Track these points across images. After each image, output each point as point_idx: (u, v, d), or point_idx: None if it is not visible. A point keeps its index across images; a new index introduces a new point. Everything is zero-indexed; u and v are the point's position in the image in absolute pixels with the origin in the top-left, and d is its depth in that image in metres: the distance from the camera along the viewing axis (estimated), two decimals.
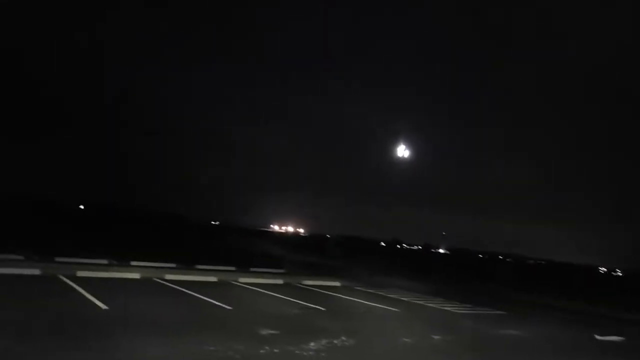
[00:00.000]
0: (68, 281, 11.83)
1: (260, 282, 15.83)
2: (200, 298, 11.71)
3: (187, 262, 17.72)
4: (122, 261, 16.12)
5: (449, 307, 15.68)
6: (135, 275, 13.96)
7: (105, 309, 9.30)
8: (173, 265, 16.81)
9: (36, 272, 12.43)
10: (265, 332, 8.84)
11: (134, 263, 16.06)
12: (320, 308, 12.40)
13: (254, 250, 33.14)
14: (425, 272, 31.24)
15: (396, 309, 13.88)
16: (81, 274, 12.94)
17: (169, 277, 14.34)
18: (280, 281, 16.84)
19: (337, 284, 18.30)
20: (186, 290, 12.52)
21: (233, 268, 18.24)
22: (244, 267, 18.84)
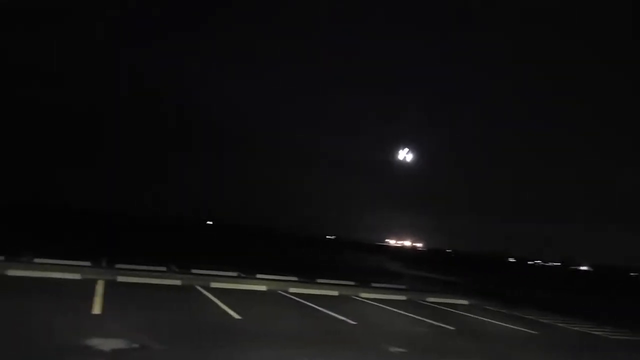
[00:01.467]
0: (204, 291, 12.68)
1: (382, 298, 15.43)
2: (325, 312, 11.70)
3: (308, 276, 18.04)
4: (250, 274, 16.94)
5: (599, 332, 13.68)
6: (262, 288, 14.51)
7: (238, 319, 9.71)
8: (295, 278, 17.22)
9: (177, 282, 13.57)
10: (393, 349, 8.45)
11: (260, 276, 16.78)
12: (449, 327, 11.61)
13: (372, 265, 32.82)
14: (565, 291, 27.98)
15: (534, 331, 12.48)
16: (214, 285, 13.82)
17: (292, 290, 14.66)
18: (402, 297, 16.27)
19: (465, 302, 17.13)
20: (310, 304, 12.64)
21: (353, 283, 18.12)
22: (364, 281, 18.63)
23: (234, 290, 13.57)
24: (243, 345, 7.69)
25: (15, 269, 12.12)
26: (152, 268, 15.31)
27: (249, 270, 17.43)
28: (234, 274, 16.56)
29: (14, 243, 16.91)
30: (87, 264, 14.63)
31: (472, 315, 14.21)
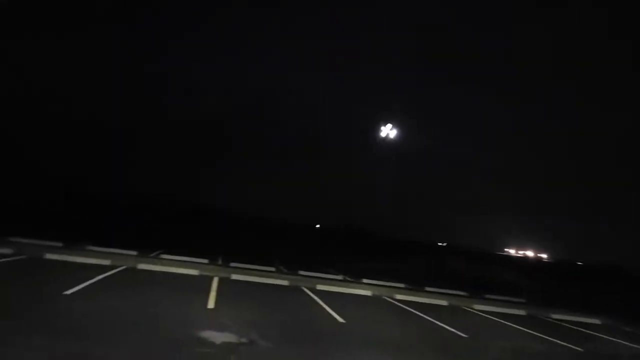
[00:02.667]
0: (310, 293, 12.84)
1: (498, 311, 14.25)
2: (432, 322, 11.10)
3: (416, 283, 17.39)
4: (355, 278, 16.82)
5: None
6: (367, 293, 14.29)
7: (342, 322, 9.61)
8: (402, 285, 16.70)
9: (285, 283, 13.95)
10: None
11: (365, 280, 16.58)
12: (577, 349, 10.26)
13: (486, 275, 30.73)
14: None
15: None
16: (320, 287, 13.93)
17: (398, 296, 14.21)
18: (521, 312, 14.86)
19: (597, 321, 15.12)
20: (417, 312, 12.10)
21: (465, 293, 17.04)
22: (477, 292, 17.43)
23: (339, 294, 13.55)
24: (346, 350, 7.54)
25: (145, 263, 13.46)
26: (262, 268, 15.97)
27: (355, 275, 17.34)
28: (340, 277, 16.58)
29: (146, 240, 18.84)
30: (205, 261, 15.74)
31: (604, 337, 12.45)
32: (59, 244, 14.48)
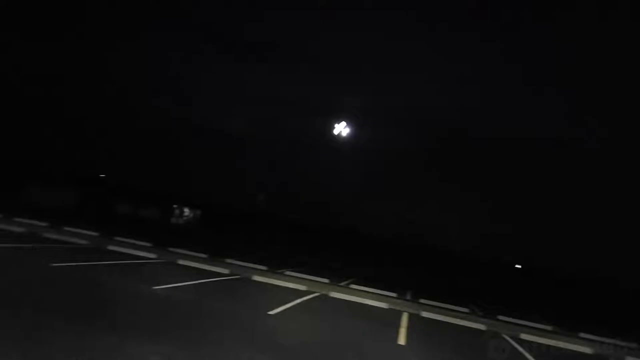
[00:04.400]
0: (512, 342, 11.27)
1: None
2: None
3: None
4: (570, 330, 14.29)
5: None
6: (586, 350, 11.89)
7: None
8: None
9: (481, 327, 12.60)
10: None
11: (583, 335, 13.92)
12: None
13: None
14: None
15: None
16: (525, 336, 12.15)
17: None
18: None
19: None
20: None
21: None
22: None
23: (549, 347, 11.58)
24: None
25: (337, 291, 13.81)
26: (455, 308, 14.85)
27: (564, 324, 14.76)
28: (548, 327, 14.29)
29: (335, 270, 19.57)
30: (393, 294, 15.42)
31: None
32: (264, 268, 16.00)
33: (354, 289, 15.29)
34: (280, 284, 13.55)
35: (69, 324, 6.06)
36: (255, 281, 13.50)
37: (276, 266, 16.49)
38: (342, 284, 15.94)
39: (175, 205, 31.27)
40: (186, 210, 31.55)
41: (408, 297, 15.82)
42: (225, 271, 13.94)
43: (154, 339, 6.06)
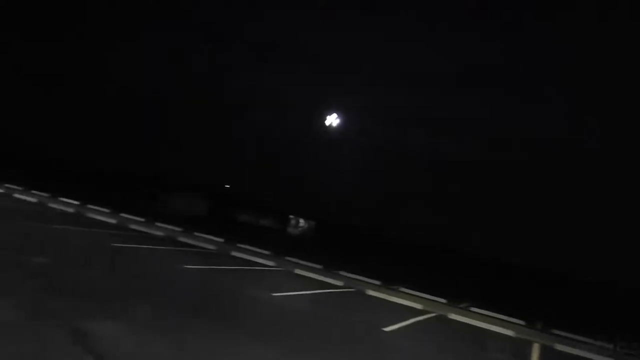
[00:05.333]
0: None
1: None
2: None
3: None
4: None
5: None
6: None
7: None
8: None
9: None
10: None
11: None
12: None
13: None
14: None
15: None
16: None
17: None
18: None
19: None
20: None
21: None
22: None
23: None
24: None
25: (456, 313, 12.95)
26: (596, 342, 13.00)
27: None
28: None
29: (450, 288, 18.43)
30: (521, 322, 14.02)
31: None
32: (378, 282, 15.68)
33: (475, 312, 14.22)
34: (394, 300, 13.13)
35: (194, 320, 6.43)
36: (369, 295, 13.26)
37: (390, 281, 16.06)
38: (461, 305, 14.94)
39: (291, 216, 32.49)
40: (301, 221, 32.60)
41: (538, 326, 14.25)
42: (340, 283, 13.92)
43: (268, 343, 6.15)
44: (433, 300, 14.68)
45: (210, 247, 15.60)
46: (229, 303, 8.43)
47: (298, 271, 14.45)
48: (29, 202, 16.61)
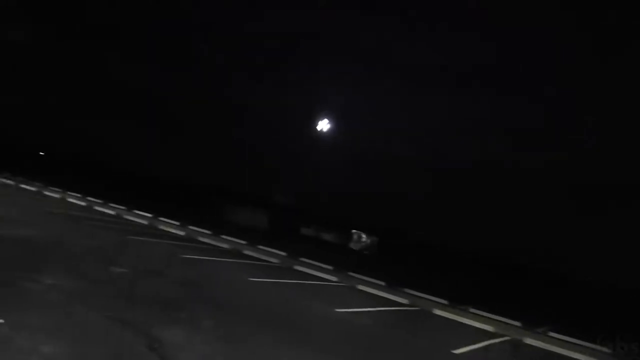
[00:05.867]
0: None
1: None
2: None
3: None
4: None
5: None
6: None
7: None
8: None
9: None
10: None
11: None
12: None
13: None
14: None
15: None
16: None
17: None
18: None
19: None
20: None
21: None
22: None
23: None
24: None
25: (532, 338, 12.04)
26: None
27: None
28: None
29: (528, 310, 17.24)
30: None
31: None
32: (445, 302, 15.00)
33: (554, 338, 13.15)
34: (463, 321, 12.45)
35: (260, 331, 6.40)
36: (436, 315, 12.68)
37: (459, 301, 15.29)
38: (539, 329, 13.88)
39: (353, 230, 32.20)
40: (364, 236, 32.18)
41: (627, 354, 12.89)
42: (405, 301, 13.46)
43: None
44: (506, 323, 13.78)
45: (274, 260, 15.72)
46: (293, 316, 8.35)
47: (361, 287, 14.16)
48: (108, 214, 17.70)
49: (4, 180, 20.88)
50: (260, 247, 18.13)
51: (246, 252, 16.17)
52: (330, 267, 16.85)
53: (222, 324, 6.43)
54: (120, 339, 5.01)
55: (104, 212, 17.97)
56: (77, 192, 21.92)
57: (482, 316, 13.94)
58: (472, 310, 14.65)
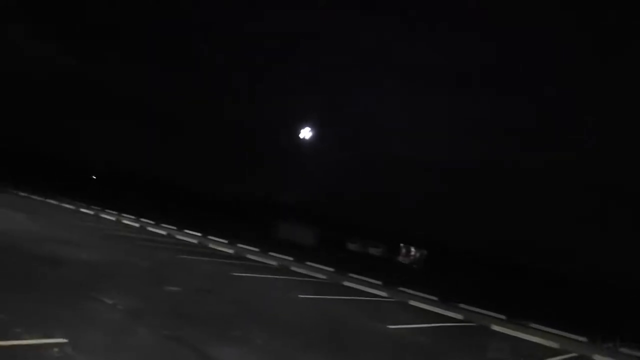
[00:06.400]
0: None
1: None
2: None
3: None
4: None
5: None
6: None
7: None
8: None
9: None
10: None
11: None
12: None
13: None
14: None
15: None
16: None
17: None
18: None
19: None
20: None
21: None
22: None
23: None
24: None
25: (602, 355, 11.22)
26: None
27: None
28: None
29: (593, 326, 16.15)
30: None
31: None
32: (503, 317, 14.30)
33: (625, 354, 12.21)
34: (524, 337, 11.78)
35: (311, 350, 6.26)
36: (494, 331, 12.08)
37: (518, 316, 14.52)
38: (608, 344, 12.94)
39: (401, 244, 31.57)
40: (412, 250, 31.48)
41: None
42: (459, 317, 12.93)
43: None
44: (571, 339, 12.94)
45: (322, 276, 15.59)
46: (344, 333, 8.17)
47: (413, 302, 13.75)
48: (160, 234, 18.24)
49: (66, 205, 22.04)
50: (308, 263, 18.06)
51: (294, 268, 16.13)
52: (379, 282, 16.51)
53: (275, 342, 6.37)
54: (178, 357, 5.03)
55: (155, 233, 18.52)
56: (131, 214, 22.81)
57: (544, 332, 13.16)
58: (533, 325, 13.88)
